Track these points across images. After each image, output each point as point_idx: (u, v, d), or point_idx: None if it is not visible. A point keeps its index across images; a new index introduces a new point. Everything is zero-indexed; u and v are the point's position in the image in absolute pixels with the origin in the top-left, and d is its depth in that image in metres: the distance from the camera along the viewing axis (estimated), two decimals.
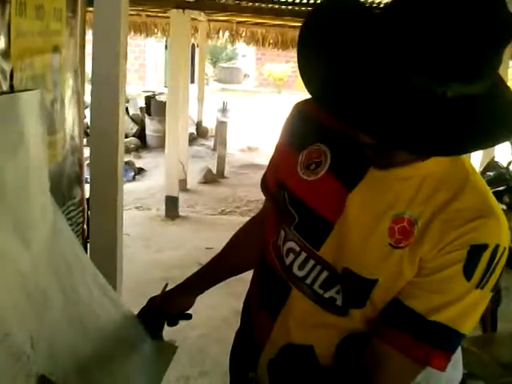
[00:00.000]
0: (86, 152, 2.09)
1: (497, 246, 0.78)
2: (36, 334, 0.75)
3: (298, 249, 0.91)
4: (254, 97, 17.83)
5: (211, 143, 8.80)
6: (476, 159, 4.25)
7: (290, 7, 5.91)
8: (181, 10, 5.01)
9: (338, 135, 0.87)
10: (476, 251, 0.78)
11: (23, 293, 0.75)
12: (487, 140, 0.73)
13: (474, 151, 0.74)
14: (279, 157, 1.01)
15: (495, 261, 0.78)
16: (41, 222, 0.88)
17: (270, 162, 1.05)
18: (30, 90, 0.98)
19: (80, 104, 1.49)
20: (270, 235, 0.99)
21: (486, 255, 0.78)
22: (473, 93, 0.69)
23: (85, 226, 1.71)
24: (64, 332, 0.84)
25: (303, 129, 0.95)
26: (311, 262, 0.89)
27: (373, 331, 0.86)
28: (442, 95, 0.67)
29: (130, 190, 5.82)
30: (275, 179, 1.00)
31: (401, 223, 0.81)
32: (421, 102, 0.67)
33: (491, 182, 3.35)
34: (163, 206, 5.18)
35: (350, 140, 0.82)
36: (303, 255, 0.90)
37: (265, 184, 1.07)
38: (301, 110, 0.98)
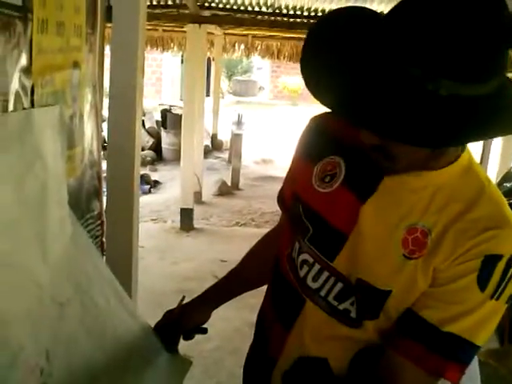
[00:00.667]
0: (104, 165, 2.12)
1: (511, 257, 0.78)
2: (52, 346, 0.75)
3: (311, 260, 0.91)
4: (269, 109, 17.89)
5: (226, 156, 8.84)
6: (493, 170, 4.21)
7: (304, 20, 5.95)
8: (197, 25, 5.08)
9: (353, 148, 0.88)
10: (490, 261, 0.77)
11: (40, 305, 0.76)
12: (484, 135, 0.76)
13: (468, 143, 0.77)
14: (295, 170, 1.02)
15: (510, 271, 0.78)
16: (59, 234, 0.89)
17: (287, 176, 1.06)
18: (49, 105, 1.00)
19: (98, 119, 1.51)
20: (285, 247, 0.99)
21: (501, 265, 0.77)
22: (469, 94, 0.69)
23: (104, 239, 1.73)
24: (81, 344, 0.85)
25: (319, 142, 0.96)
26: (325, 274, 0.90)
27: (387, 342, 0.85)
28: (435, 91, 0.68)
29: (146, 202, 5.86)
30: (291, 193, 1.01)
31: (414, 234, 0.81)
32: (415, 95, 0.69)
33: (508, 193, 3.31)
34: (178, 218, 5.20)
35: (364, 153, 0.83)
36: (317, 267, 0.90)
37: (281, 198, 1.08)
38: (317, 123, 0.99)
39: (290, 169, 1.05)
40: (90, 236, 1.44)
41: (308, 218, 0.92)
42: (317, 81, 0.77)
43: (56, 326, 0.80)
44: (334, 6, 5.47)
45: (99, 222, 1.52)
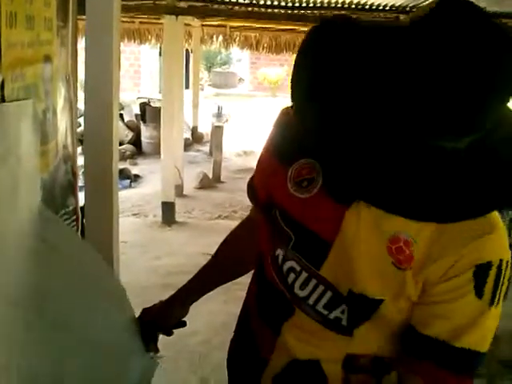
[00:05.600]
0: (81, 160, 2.09)
1: (501, 261, 0.77)
2: (20, 347, 0.73)
3: (298, 268, 0.87)
4: (249, 101, 17.85)
5: (207, 148, 8.80)
6: None
7: (282, 11, 5.93)
8: (174, 17, 5.03)
9: (329, 148, 0.80)
10: (481, 271, 0.76)
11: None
12: None
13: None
14: (267, 168, 0.95)
15: (502, 276, 0.77)
16: (29, 230, 0.88)
17: (258, 168, 1.01)
18: (21, 99, 0.99)
19: (73, 113, 1.49)
20: (267, 249, 0.95)
21: (493, 273, 0.77)
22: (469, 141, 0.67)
23: (79, 235, 1.71)
24: (52, 341, 0.83)
25: (291, 141, 0.89)
26: (313, 282, 0.86)
27: (396, 363, 0.84)
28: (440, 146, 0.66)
29: (127, 196, 5.82)
30: (265, 193, 0.96)
31: (397, 243, 0.79)
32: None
33: None
34: (160, 212, 5.18)
35: (342, 153, 0.76)
36: (304, 274, 0.87)
37: (252, 191, 1.03)
38: (288, 117, 0.90)
39: (261, 163, 0.99)
40: None
41: (288, 225, 0.88)
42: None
43: (22, 324, 0.76)
44: None
45: (74, 217, 1.50)
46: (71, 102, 1.47)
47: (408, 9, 5.93)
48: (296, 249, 0.87)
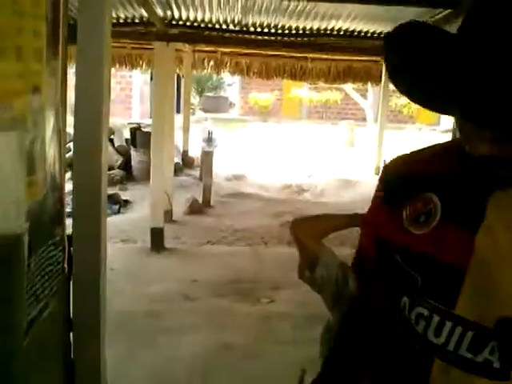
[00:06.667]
0: (70, 186, 2.08)
1: None
2: None
3: (427, 313, 0.79)
4: (240, 125, 17.98)
5: (197, 173, 8.80)
6: None
7: (272, 37, 6.03)
8: (164, 43, 5.07)
9: (442, 178, 0.81)
10: None
11: None
12: None
13: None
14: (378, 219, 0.92)
15: None
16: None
17: (364, 231, 0.98)
18: (7, 131, 0.98)
19: (61, 141, 1.48)
20: (388, 305, 0.88)
21: None
22: None
23: (65, 265, 1.68)
24: None
25: (401, 185, 0.88)
26: (448, 325, 0.77)
27: None
28: None
29: (115, 222, 5.77)
30: (375, 246, 0.92)
31: None
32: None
33: None
34: (149, 238, 5.13)
35: (457, 179, 0.77)
36: (436, 318, 0.78)
37: (360, 261, 0.99)
38: (394, 167, 0.92)
39: (367, 223, 0.97)
40: (52, 262, 1.41)
41: (412, 265, 0.82)
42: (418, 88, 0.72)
43: None
44: (301, 24, 5.56)
45: (61, 247, 1.48)
46: (60, 131, 1.46)
47: None
48: (423, 291, 0.80)
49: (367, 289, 0.99)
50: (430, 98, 0.72)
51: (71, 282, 2.11)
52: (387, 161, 0.94)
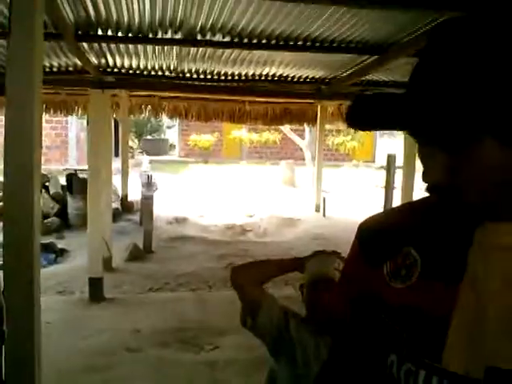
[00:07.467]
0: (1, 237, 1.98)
1: None
2: None
3: (414, 368, 0.78)
4: (181, 167, 17.94)
5: (137, 217, 8.62)
6: None
7: (208, 83, 6.13)
8: (100, 90, 5.04)
9: (419, 231, 0.83)
10: None
11: None
12: None
13: None
14: (360, 278, 0.92)
15: None
16: None
17: (338, 291, 1.00)
18: None
19: None
20: (373, 369, 0.87)
21: None
22: None
23: (5, 328, 1.57)
24: None
25: (378, 242, 0.89)
26: (435, 379, 0.75)
27: None
28: None
29: (52, 273, 5.53)
30: (344, 306, 0.94)
31: None
32: None
33: None
34: (87, 289, 4.93)
35: (434, 230, 0.79)
36: (422, 373, 0.76)
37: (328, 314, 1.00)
38: (369, 226, 0.93)
39: (341, 284, 0.99)
40: None
41: (396, 319, 0.81)
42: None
43: None
44: (236, 70, 5.70)
45: None
46: None
47: (327, 80, 6.33)
48: (408, 345, 0.79)
49: (342, 345, 0.98)
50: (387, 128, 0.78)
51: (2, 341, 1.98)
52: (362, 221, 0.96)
